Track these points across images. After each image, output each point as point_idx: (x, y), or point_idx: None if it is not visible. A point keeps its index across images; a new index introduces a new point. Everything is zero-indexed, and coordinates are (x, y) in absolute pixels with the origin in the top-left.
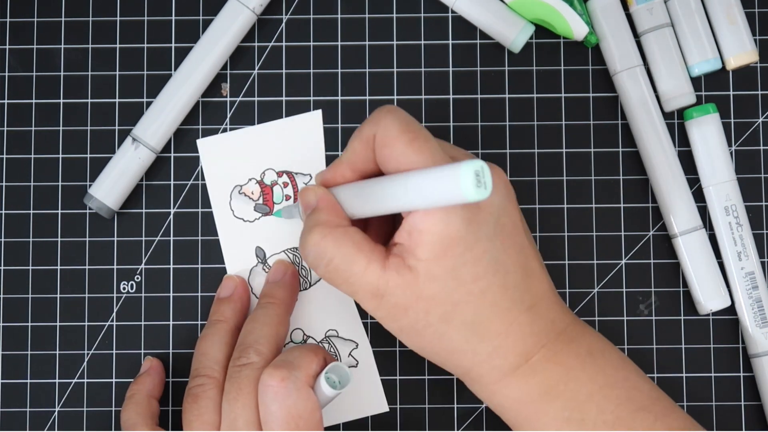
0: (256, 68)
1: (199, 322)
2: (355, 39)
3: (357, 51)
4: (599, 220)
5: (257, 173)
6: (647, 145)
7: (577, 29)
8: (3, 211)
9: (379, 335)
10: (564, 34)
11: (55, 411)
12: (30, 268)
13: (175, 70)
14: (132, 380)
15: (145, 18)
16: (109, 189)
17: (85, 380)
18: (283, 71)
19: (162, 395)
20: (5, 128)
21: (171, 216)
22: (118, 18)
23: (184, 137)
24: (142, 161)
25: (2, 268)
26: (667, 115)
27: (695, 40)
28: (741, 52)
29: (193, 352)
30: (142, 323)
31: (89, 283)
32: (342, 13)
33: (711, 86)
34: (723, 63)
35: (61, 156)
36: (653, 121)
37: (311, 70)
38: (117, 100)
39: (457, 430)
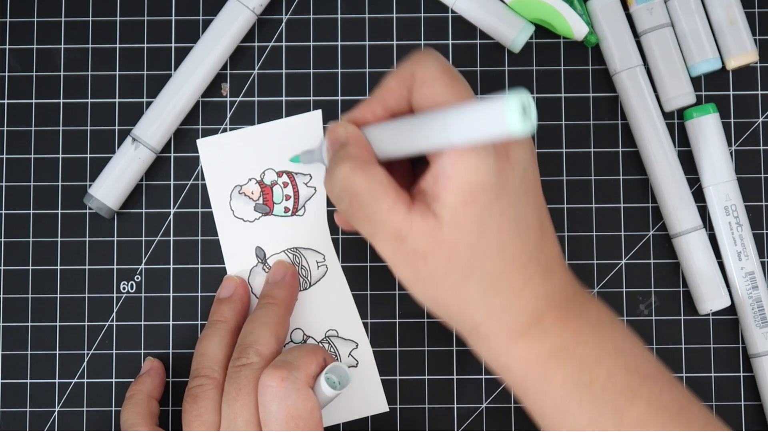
0: (256, 68)
1: (199, 322)
2: (355, 39)
3: (357, 51)
4: (599, 220)
5: (257, 173)
6: (647, 145)
7: (577, 29)
8: (3, 211)
9: (379, 335)
10: (564, 34)
11: (55, 411)
12: (30, 268)
13: (175, 70)
14: (132, 380)
15: (145, 18)
16: (109, 189)
17: (85, 380)
18: (283, 71)
19: (162, 396)
20: (5, 128)
21: (171, 216)
22: (118, 18)
23: (184, 137)
24: (142, 161)
25: (2, 268)
26: (667, 115)
27: (695, 40)
28: (741, 52)
29: (193, 353)
30: (142, 323)
31: (89, 283)
32: (342, 13)
33: (711, 86)
34: (723, 63)
35: (61, 156)
36: (653, 121)
37: (311, 70)
38: (117, 100)
39: (457, 430)
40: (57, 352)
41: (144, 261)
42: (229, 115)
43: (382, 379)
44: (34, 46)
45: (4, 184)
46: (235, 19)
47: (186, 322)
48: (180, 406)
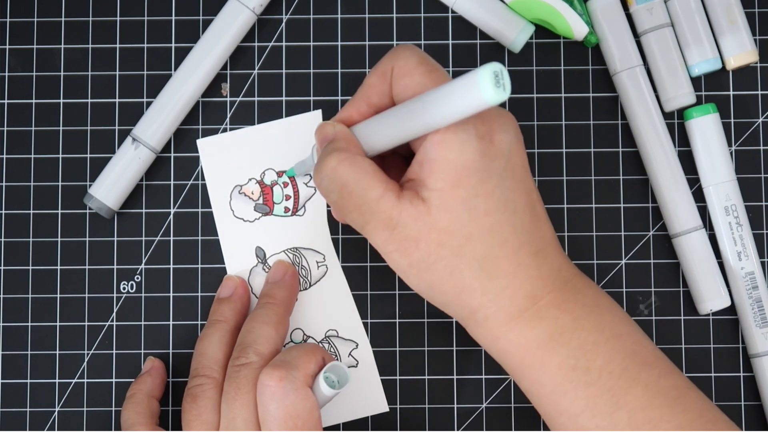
0: (256, 68)
1: (199, 322)
2: (355, 39)
3: (357, 51)
4: (599, 220)
5: (257, 173)
6: (647, 145)
7: (577, 29)
8: (3, 211)
9: (379, 335)
10: (564, 34)
11: (55, 411)
12: (30, 268)
13: (175, 70)
14: (132, 380)
15: (145, 18)
16: (109, 189)
17: (85, 380)
18: (283, 71)
19: (163, 395)
20: (5, 128)
21: (171, 216)
22: (118, 18)
23: (184, 137)
24: (142, 161)
25: (2, 268)
26: (667, 115)
27: (695, 40)
28: (741, 52)
29: (193, 352)
30: (142, 323)
31: (89, 283)
32: (342, 13)
33: (711, 86)
34: (723, 63)
35: (61, 156)
36: (653, 121)
37: (311, 70)
38: (117, 100)
39: (457, 430)
40: (57, 352)
41: (144, 261)
42: (229, 115)
43: (382, 379)
44: (34, 46)
45: (4, 184)
46: (235, 19)
47: (186, 322)
48: (180, 405)
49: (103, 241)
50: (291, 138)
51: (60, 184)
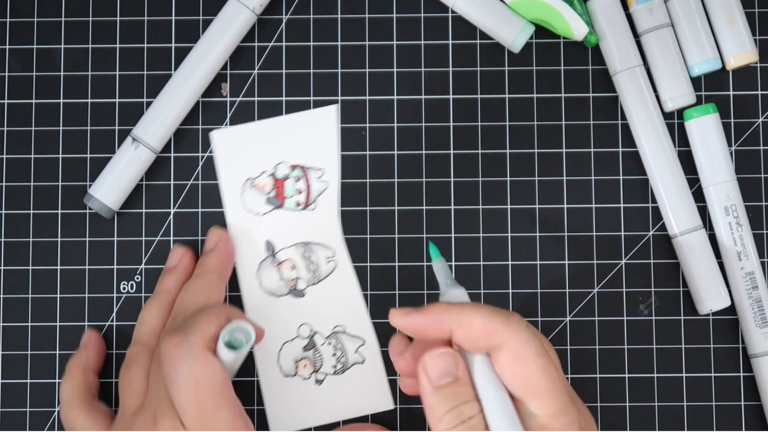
0: (256, 68)
1: None
2: (355, 39)
3: (357, 51)
4: (599, 220)
5: (270, 166)
6: (647, 145)
7: (577, 29)
8: (3, 211)
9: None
10: (564, 34)
11: (55, 411)
12: (30, 268)
13: (175, 70)
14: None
15: (145, 18)
16: (109, 189)
17: None
18: (283, 71)
19: (102, 368)
20: (5, 128)
21: (171, 216)
22: (118, 18)
23: (184, 137)
24: (142, 161)
25: (2, 268)
26: (667, 115)
27: (695, 40)
28: (741, 52)
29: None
30: None
31: (89, 283)
32: (342, 13)
33: (711, 86)
34: (723, 63)
35: (61, 156)
36: (653, 121)
37: (311, 70)
38: (117, 100)
39: None
40: (57, 352)
41: (144, 261)
42: (229, 115)
43: None
44: (34, 46)
45: (4, 184)
46: (235, 19)
47: None
48: None
49: (103, 241)
50: (305, 132)
51: (60, 184)
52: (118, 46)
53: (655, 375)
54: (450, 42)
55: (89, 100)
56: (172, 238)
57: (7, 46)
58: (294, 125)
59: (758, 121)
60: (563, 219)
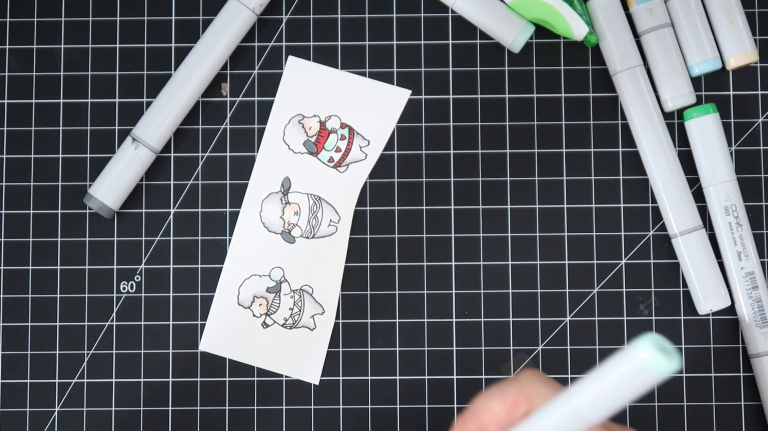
0: (256, 68)
1: (199, 323)
2: (355, 39)
3: (357, 51)
4: (599, 220)
5: (324, 114)
6: (647, 145)
7: (577, 29)
8: (3, 211)
9: (379, 335)
10: (564, 34)
11: (55, 411)
12: (30, 268)
13: (175, 70)
14: (132, 380)
15: (145, 18)
16: (109, 189)
17: (85, 380)
18: (283, 71)
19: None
20: (5, 128)
21: (171, 216)
22: (118, 18)
23: (184, 137)
24: (142, 161)
25: (2, 268)
26: (667, 115)
27: (695, 40)
28: (741, 52)
29: (197, 352)
30: (142, 323)
31: (89, 283)
32: (342, 13)
33: (711, 86)
34: (723, 63)
35: (61, 156)
36: (653, 121)
37: None
38: (117, 100)
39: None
40: (57, 352)
41: (144, 261)
42: (229, 115)
43: (382, 379)
44: (34, 46)
45: (4, 184)
46: (235, 19)
47: (186, 322)
48: (180, 406)
49: (103, 241)
50: (372, 100)
51: (60, 184)
52: (118, 46)
53: None
54: (450, 42)
55: (89, 100)
56: (172, 238)
57: (7, 46)
58: (365, 89)
59: (758, 121)
60: (563, 219)
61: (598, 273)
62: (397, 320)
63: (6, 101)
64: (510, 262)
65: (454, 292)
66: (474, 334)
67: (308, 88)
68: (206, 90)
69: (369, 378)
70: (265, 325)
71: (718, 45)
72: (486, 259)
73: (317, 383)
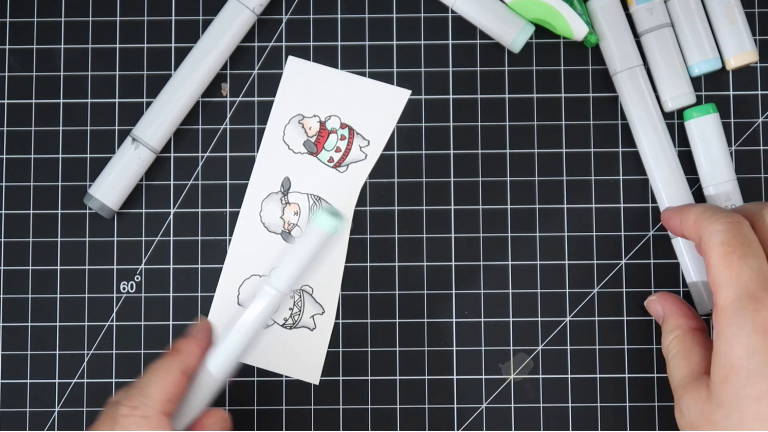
0: (256, 68)
1: None
2: (355, 39)
3: (357, 51)
4: (599, 220)
5: (324, 114)
6: (647, 145)
7: (577, 29)
8: (3, 211)
9: (379, 335)
10: (564, 34)
11: (55, 411)
12: (30, 268)
13: (175, 70)
14: (131, 380)
15: (145, 18)
16: (109, 189)
17: (85, 380)
18: (283, 71)
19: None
20: (5, 128)
21: (171, 216)
22: (118, 18)
23: (184, 137)
24: (142, 161)
25: (2, 268)
26: (667, 115)
27: (695, 40)
28: (741, 52)
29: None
30: (142, 323)
31: (89, 283)
32: (342, 13)
33: (711, 86)
34: (723, 63)
35: (61, 156)
36: (653, 121)
37: None
38: (117, 100)
39: (457, 430)
40: (57, 352)
41: (144, 261)
42: (229, 115)
43: (383, 379)
44: (34, 46)
45: (4, 184)
46: (235, 19)
47: (186, 322)
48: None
49: (103, 241)
50: (372, 100)
51: (60, 184)
52: (118, 46)
53: (655, 375)
54: (450, 42)
55: (89, 100)
56: (172, 238)
57: (7, 46)
58: (365, 89)
59: (758, 121)
60: (563, 219)
61: (598, 273)
62: (397, 320)
63: (6, 101)
64: (510, 262)
65: (454, 292)
66: (474, 334)
67: (308, 88)
68: (206, 90)
69: (369, 378)
70: (265, 325)
71: (718, 45)
72: (486, 259)
73: (317, 383)
